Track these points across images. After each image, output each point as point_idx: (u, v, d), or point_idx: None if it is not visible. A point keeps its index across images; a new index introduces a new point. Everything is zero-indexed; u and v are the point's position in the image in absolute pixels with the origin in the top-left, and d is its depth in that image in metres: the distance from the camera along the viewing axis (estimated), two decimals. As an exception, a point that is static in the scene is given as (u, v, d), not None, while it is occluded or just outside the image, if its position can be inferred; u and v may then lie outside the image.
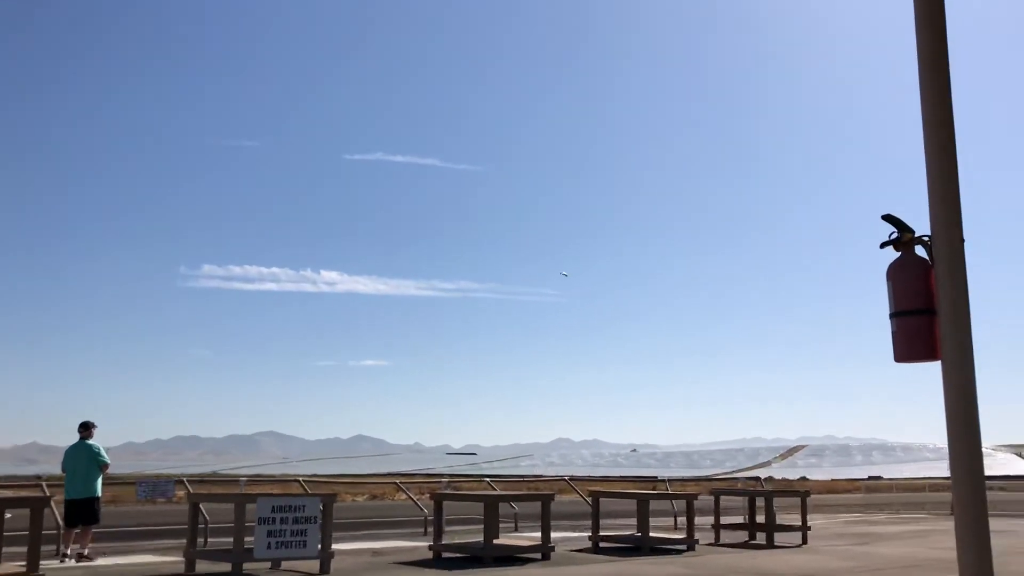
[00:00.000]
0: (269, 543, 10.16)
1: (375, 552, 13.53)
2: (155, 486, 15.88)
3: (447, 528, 13.91)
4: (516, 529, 18.48)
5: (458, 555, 12.61)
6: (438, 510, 12.98)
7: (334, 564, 10.80)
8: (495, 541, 12.31)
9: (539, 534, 12.90)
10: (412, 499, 20.94)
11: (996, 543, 4.56)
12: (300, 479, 21.45)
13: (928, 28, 4.76)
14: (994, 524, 4.64)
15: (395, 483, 24.60)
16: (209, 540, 14.69)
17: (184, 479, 17.61)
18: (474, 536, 13.95)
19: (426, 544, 13.49)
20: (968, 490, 4.48)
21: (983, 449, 4.73)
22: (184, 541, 11.62)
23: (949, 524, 6.18)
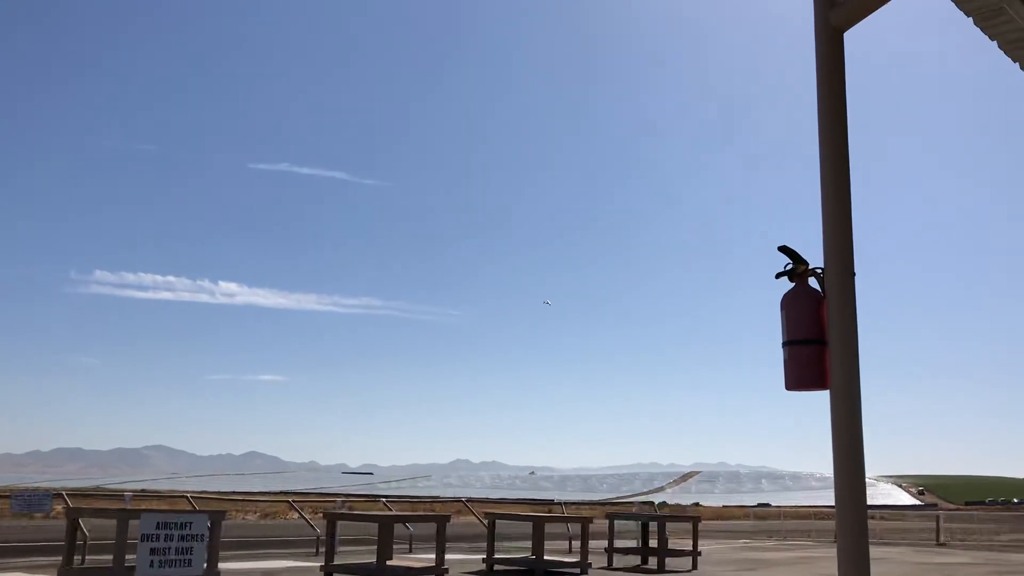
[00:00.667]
0: (152, 561, 9.74)
1: (264, 573, 13.17)
2: (31, 499, 15.08)
3: (340, 549, 13.62)
4: (411, 551, 18.25)
5: (350, 576, 12.37)
6: (331, 530, 12.69)
7: (220, 584, 10.45)
8: (388, 563, 12.09)
9: (434, 556, 12.75)
10: (305, 518, 20.49)
11: (875, 570, 4.70)
12: (188, 495, 20.76)
13: (828, 80, 4.93)
14: (874, 551, 4.79)
15: (288, 502, 24.02)
16: (88, 557, 14.04)
17: (63, 492, 16.80)
18: (367, 557, 13.69)
19: (317, 565, 13.18)
20: (851, 518, 4.60)
21: (866, 479, 4.88)
22: (60, 558, 11.06)
23: (832, 551, 6.38)
